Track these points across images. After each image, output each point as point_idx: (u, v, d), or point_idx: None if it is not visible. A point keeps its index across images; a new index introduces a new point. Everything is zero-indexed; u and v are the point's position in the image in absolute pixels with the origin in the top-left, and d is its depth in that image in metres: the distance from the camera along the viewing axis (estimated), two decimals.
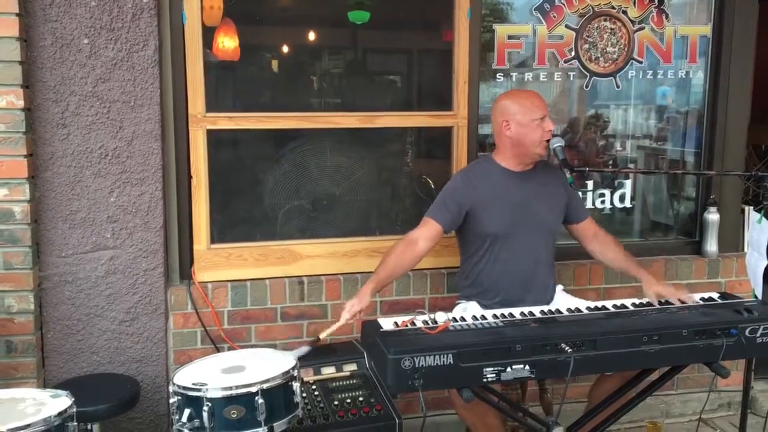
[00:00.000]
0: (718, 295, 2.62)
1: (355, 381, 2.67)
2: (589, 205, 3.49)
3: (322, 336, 2.43)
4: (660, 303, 2.52)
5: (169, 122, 2.89)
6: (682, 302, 2.50)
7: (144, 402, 2.86)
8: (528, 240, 2.69)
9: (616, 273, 3.16)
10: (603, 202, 3.53)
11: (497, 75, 3.32)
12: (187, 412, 2.09)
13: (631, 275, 2.75)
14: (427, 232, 2.62)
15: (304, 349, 2.36)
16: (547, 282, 2.77)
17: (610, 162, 3.68)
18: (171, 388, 2.15)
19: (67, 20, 2.68)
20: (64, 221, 2.77)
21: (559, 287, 2.85)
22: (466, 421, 2.56)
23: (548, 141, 2.61)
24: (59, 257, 2.78)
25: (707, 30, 3.50)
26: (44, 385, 2.77)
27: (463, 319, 2.36)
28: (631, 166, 3.73)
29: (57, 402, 2.02)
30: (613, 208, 3.56)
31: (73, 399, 2.03)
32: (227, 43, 3.06)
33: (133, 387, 2.67)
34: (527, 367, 2.14)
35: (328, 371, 2.69)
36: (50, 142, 2.73)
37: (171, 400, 2.15)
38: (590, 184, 3.51)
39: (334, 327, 2.42)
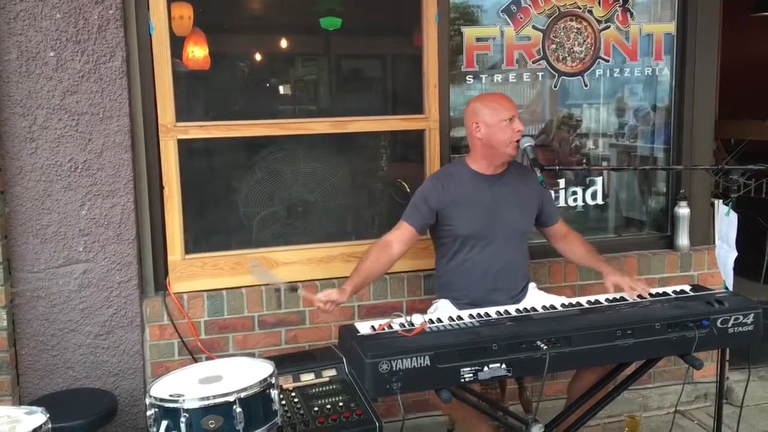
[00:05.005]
0: (690, 287, 2.66)
1: (334, 386, 2.66)
2: (561, 203, 3.53)
3: (300, 292, 2.53)
4: (616, 298, 2.56)
5: (139, 133, 2.88)
6: (639, 296, 2.54)
7: (122, 416, 2.84)
8: (498, 242, 2.72)
9: (590, 269, 3.20)
10: (575, 199, 3.57)
11: (467, 77, 3.35)
12: (164, 424, 2.07)
13: (596, 270, 2.80)
14: (400, 235, 2.69)
15: (279, 281, 2.42)
16: (518, 284, 2.79)
17: (584, 160, 3.72)
18: (148, 401, 2.13)
19: (33, 33, 2.65)
20: (35, 236, 2.74)
21: (532, 284, 2.87)
22: (454, 416, 2.56)
23: (518, 141, 2.64)
24: (31, 272, 2.75)
25: (671, 27, 3.56)
26: (20, 402, 2.74)
27: (439, 320, 2.37)
28: (604, 163, 3.77)
29: (32, 419, 1.98)
30: (586, 205, 3.59)
31: (48, 415, 1.99)
32: (197, 52, 3.05)
33: (111, 401, 2.65)
34: (504, 365, 2.16)
35: (307, 377, 2.68)
36: (18, 157, 2.70)
37: (148, 413, 2.13)
38: (562, 182, 3.54)
39: (310, 295, 2.52)
